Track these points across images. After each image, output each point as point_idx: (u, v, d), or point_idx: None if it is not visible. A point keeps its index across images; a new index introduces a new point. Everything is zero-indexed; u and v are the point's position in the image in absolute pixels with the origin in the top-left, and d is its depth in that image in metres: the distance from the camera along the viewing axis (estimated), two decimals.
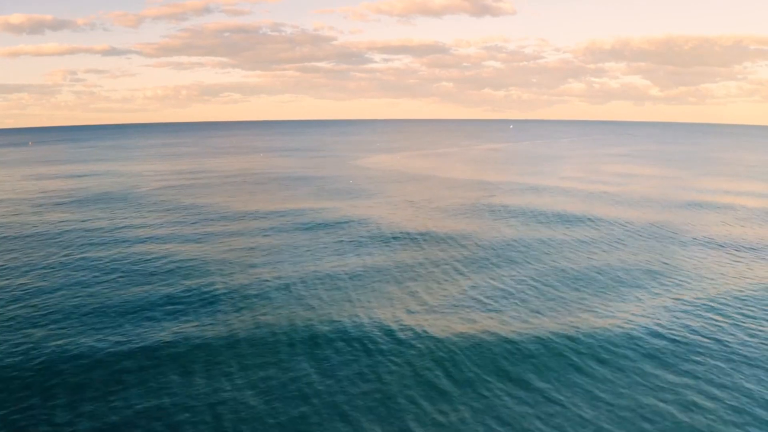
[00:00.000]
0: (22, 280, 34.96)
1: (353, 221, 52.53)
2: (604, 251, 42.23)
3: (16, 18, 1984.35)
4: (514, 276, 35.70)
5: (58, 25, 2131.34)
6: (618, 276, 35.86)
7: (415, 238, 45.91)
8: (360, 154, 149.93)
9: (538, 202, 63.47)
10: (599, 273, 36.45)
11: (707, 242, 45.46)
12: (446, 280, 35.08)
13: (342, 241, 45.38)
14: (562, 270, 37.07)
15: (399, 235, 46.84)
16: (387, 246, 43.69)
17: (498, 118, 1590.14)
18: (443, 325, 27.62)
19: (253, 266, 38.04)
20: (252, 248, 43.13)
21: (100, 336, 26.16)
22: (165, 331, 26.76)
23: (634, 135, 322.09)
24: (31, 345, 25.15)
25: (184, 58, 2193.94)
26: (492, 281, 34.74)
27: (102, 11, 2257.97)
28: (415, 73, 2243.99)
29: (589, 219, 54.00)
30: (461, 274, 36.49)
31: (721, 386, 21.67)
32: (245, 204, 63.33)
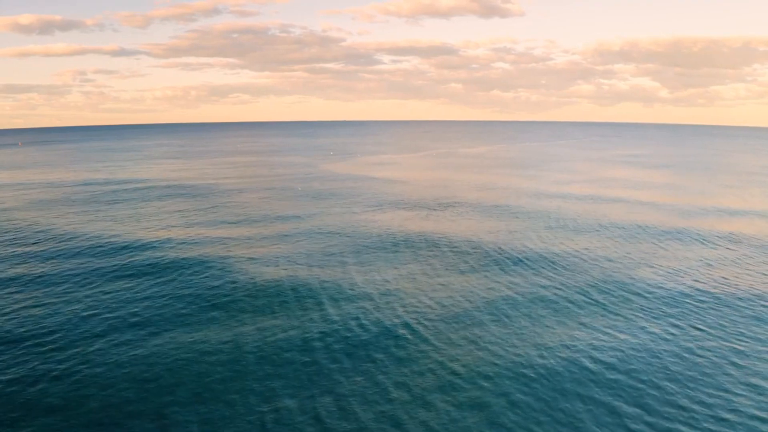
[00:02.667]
0: None
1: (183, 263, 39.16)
2: (511, 337, 28.50)
3: (25, 18, 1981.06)
4: None
5: (66, 26, 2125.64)
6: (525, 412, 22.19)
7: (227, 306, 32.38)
8: (336, 157, 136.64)
9: (476, 230, 49.72)
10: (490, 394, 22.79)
11: (677, 306, 31.54)
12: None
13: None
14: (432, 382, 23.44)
15: (202, 298, 33.31)
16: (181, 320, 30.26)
17: (507, 119, 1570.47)
18: None
19: None
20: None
21: None
22: None
23: (618, 137, 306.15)
24: None
25: (192, 59, 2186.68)
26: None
27: (110, 12, 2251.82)
28: (424, 74, 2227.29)
29: (522, 262, 40.15)
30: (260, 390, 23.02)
31: None
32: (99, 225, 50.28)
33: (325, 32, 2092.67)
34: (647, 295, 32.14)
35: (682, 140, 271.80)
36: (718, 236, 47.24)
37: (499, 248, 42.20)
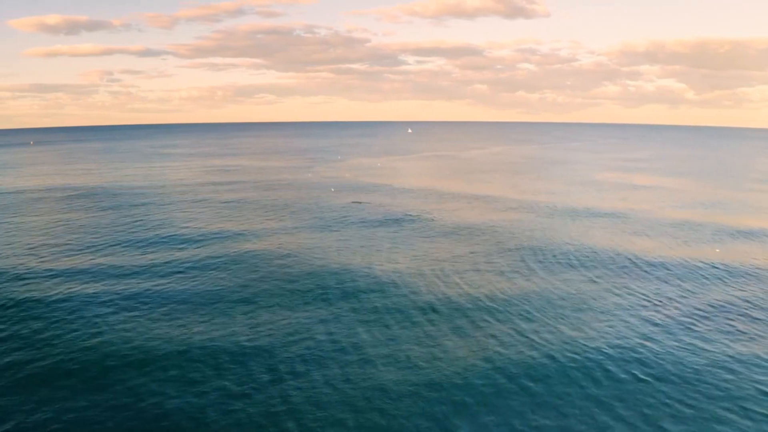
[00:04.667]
0: None
1: None
2: None
3: (52, 19, 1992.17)
4: None
5: (93, 26, 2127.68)
6: None
7: None
8: (332, 160, 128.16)
9: (412, 259, 40.96)
10: None
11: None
12: None
13: None
14: None
15: None
16: None
17: (532, 120, 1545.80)
18: None
19: None
20: None
21: None
22: None
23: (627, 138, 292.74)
24: None
25: (218, 59, 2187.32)
26: None
27: (136, 12, 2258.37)
28: (449, 75, 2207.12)
29: (447, 311, 31.31)
30: None
31: None
32: None
33: (349, 33, 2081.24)
34: (601, 368, 23.22)
35: (700, 142, 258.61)
36: (709, 266, 37.82)
37: (426, 289, 33.41)
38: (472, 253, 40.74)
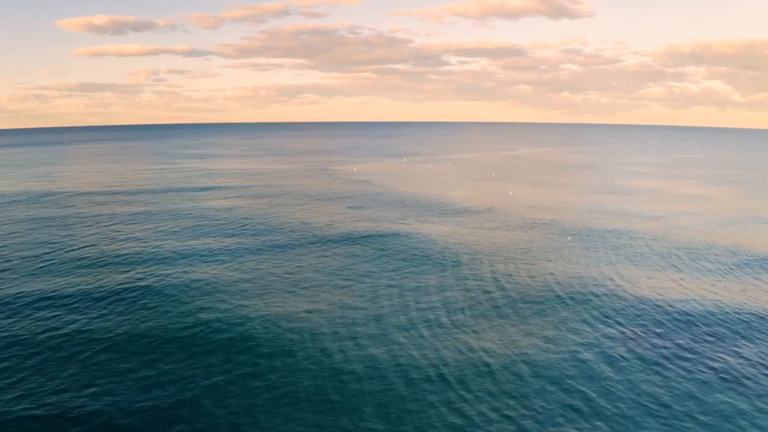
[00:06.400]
0: None
1: None
2: None
3: (99, 19, 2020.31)
4: None
5: (140, 27, 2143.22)
6: None
7: None
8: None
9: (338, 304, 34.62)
10: None
11: None
12: None
13: None
14: None
15: None
16: None
17: (576, 122, 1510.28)
18: None
19: None
20: None
21: None
22: None
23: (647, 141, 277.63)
24: None
25: (262, 60, 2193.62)
26: None
27: (182, 13, 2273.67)
28: (492, 76, 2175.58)
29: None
30: None
31: None
32: None
33: (393, 33, 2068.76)
34: None
35: (743, 146, 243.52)
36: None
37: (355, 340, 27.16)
38: (421, 286, 34.10)
